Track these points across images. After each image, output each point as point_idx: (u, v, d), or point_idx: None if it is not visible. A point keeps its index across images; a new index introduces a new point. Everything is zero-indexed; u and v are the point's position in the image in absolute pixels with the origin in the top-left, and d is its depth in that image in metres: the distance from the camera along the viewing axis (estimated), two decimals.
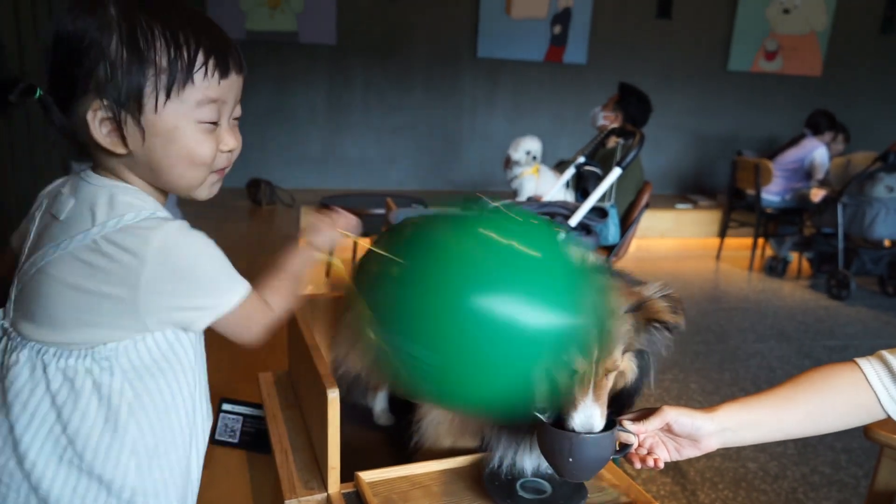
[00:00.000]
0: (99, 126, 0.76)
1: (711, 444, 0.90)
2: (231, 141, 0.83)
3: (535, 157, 3.15)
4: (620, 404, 0.95)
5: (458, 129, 5.94)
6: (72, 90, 0.74)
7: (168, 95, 0.75)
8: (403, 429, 1.19)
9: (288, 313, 0.90)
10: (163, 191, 0.85)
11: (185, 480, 0.88)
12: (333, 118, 5.62)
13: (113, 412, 0.79)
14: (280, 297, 0.89)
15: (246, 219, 4.32)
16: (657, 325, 0.91)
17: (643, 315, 0.89)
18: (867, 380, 0.92)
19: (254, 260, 3.24)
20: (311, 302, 1.42)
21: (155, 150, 0.78)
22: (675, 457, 0.92)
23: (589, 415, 0.86)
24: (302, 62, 5.43)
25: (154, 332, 0.80)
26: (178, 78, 0.75)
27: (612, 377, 0.90)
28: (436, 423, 1.12)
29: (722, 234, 5.41)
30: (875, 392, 0.91)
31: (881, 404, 0.91)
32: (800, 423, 0.92)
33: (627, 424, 0.90)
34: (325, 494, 0.99)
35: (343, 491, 0.99)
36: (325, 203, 4.37)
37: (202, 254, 0.80)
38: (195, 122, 0.78)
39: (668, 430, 0.91)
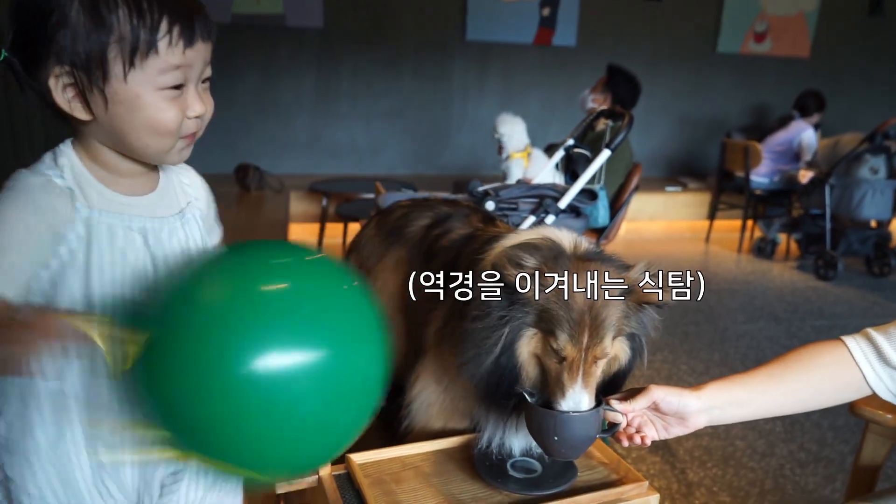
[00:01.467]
0: (62, 92, 0.75)
1: (699, 422, 0.91)
2: (198, 106, 0.80)
3: (502, 139, 3.15)
4: (614, 385, 0.95)
5: (447, 113, 5.91)
6: (34, 54, 0.73)
7: (131, 64, 0.73)
8: (394, 412, 1.19)
9: None
10: (133, 159, 0.83)
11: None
12: (321, 103, 5.57)
13: None
14: None
15: (234, 204, 4.28)
16: (646, 306, 0.90)
17: (633, 299, 0.89)
18: (853, 357, 0.93)
19: None
20: None
21: (118, 118, 0.76)
22: (663, 435, 0.92)
23: (577, 401, 0.86)
24: (289, 46, 5.37)
25: None
26: (141, 46, 0.72)
27: (602, 364, 0.90)
28: (426, 404, 1.12)
29: (711, 216, 5.42)
30: (861, 369, 0.92)
31: (867, 381, 0.92)
32: (787, 401, 0.93)
33: (615, 404, 0.91)
34: (316, 476, 0.99)
35: (334, 473, 0.99)
36: (315, 188, 4.35)
37: (2, 221, 0.74)
38: (158, 88, 0.75)
39: (655, 408, 0.91)
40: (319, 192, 4.25)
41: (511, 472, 0.98)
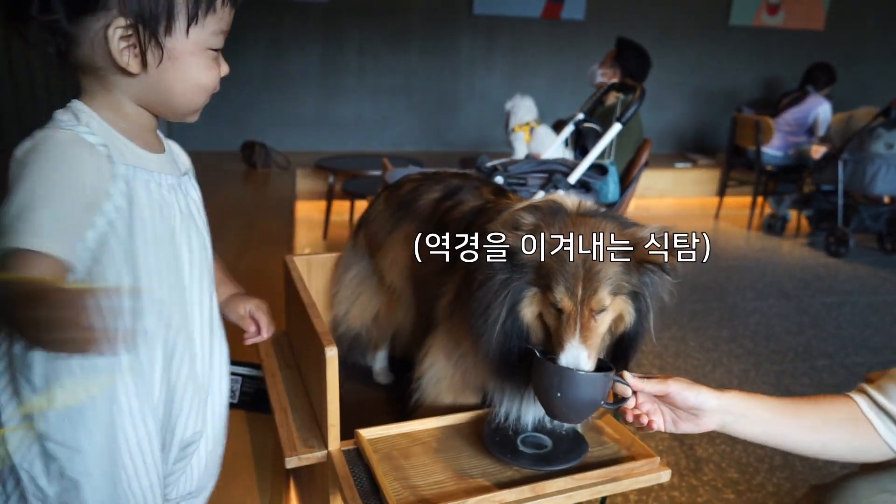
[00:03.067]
0: (117, 42, 0.74)
1: (710, 423, 0.90)
2: (225, 67, 0.84)
3: (510, 113, 3.13)
4: (622, 349, 0.94)
5: (454, 88, 5.85)
6: (92, 3, 0.73)
7: (195, 19, 0.76)
8: (403, 387, 1.19)
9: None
10: (154, 116, 0.83)
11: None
12: (328, 79, 5.53)
13: None
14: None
15: (241, 181, 4.28)
16: (651, 267, 0.89)
17: (635, 258, 0.88)
18: (862, 412, 0.93)
19: (251, 222, 3.23)
20: (307, 261, 1.41)
21: (168, 73, 0.78)
22: (671, 428, 0.92)
23: (575, 355, 0.86)
24: (295, 21, 5.31)
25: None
26: (204, 4, 0.76)
27: (603, 319, 0.89)
28: (436, 379, 1.12)
29: (721, 192, 5.38)
30: (872, 424, 0.92)
31: (880, 434, 0.92)
32: (801, 435, 0.92)
33: (627, 376, 0.89)
34: (326, 452, 1.00)
35: (343, 448, 1.00)
36: (322, 165, 4.34)
37: (42, 176, 0.69)
38: (207, 48, 0.79)
39: (669, 400, 0.90)
40: (326, 168, 4.25)
41: (521, 448, 0.98)
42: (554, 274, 0.87)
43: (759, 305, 3.51)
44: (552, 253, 0.87)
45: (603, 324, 0.89)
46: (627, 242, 0.87)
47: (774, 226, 4.95)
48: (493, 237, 0.89)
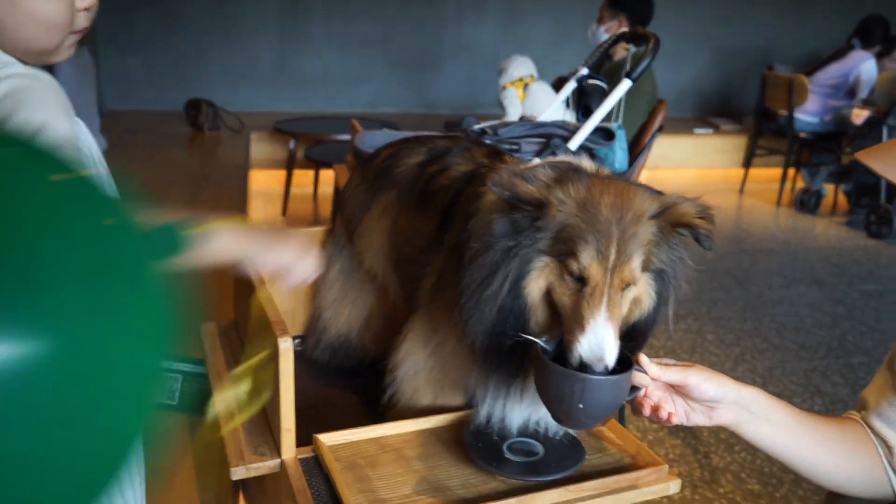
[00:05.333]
0: None
1: (724, 417, 0.92)
2: None
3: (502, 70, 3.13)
4: (632, 340, 0.93)
5: (439, 39, 5.80)
6: None
7: None
8: (376, 384, 1.19)
9: None
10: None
11: None
12: (287, 25, 5.46)
13: None
14: None
15: (185, 147, 4.24)
16: (683, 234, 0.90)
17: (668, 219, 0.88)
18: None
19: (196, 194, 3.20)
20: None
21: (2, 6, 0.78)
22: (681, 420, 0.92)
23: (601, 337, 0.83)
24: None
25: None
26: None
27: (627, 297, 0.88)
28: (412, 372, 1.11)
29: (747, 163, 5.40)
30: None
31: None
32: (817, 452, 0.95)
33: (644, 362, 0.89)
34: (279, 461, 0.99)
35: (300, 456, 0.99)
36: (280, 128, 4.30)
37: None
38: None
39: (685, 392, 0.91)
40: (285, 132, 4.22)
41: (508, 455, 0.98)
42: (581, 233, 0.85)
43: (788, 294, 3.54)
44: (578, 210, 0.86)
45: (626, 302, 0.89)
46: (660, 205, 0.88)
47: (807, 202, 4.98)
48: (496, 187, 0.87)
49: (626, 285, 0.86)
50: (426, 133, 1.54)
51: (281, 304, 1.36)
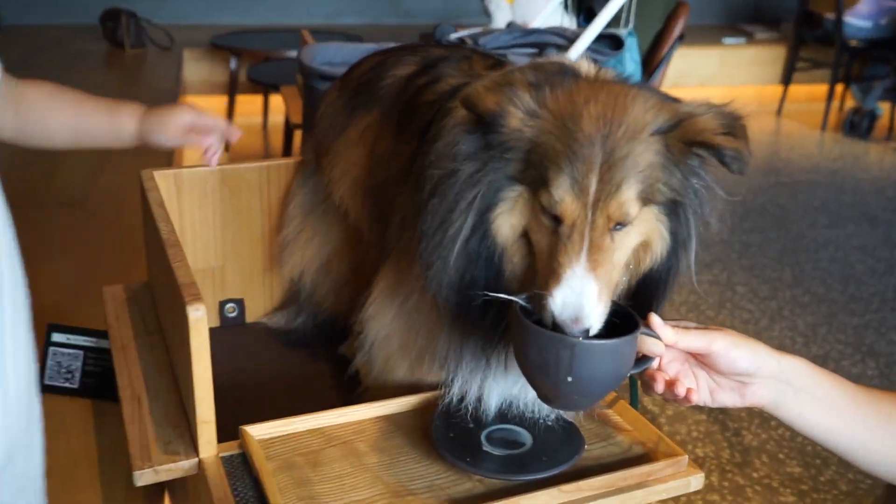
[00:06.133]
0: None
1: (760, 395, 0.88)
2: None
3: None
4: (644, 296, 0.90)
5: None
6: None
7: None
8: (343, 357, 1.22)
9: None
10: None
11: None
12: None
13: None
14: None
15: (102, 66, 4.16)
16: (702, 155, 0.84)
17: (680, 137, 0.83)
18: None
19: None
20: (175, 177, 1.36)
21: None
22: (704, 399, 0.89)
23: (578, 291, 0.79)
24: None
25: None
26: None
27: (623, 241, 0.84)
28: (382, 336, 1.10)
29: (786, 79, 5.39)
30: None
31: None
32: (875, 432, 0.91)
33: (656, 324, 0.85)
34: (196, 460, 0.96)
35: (222, 454, 0.96)
36: (219, 44, 4.21)
37: None
38: None
39: (709, 362, 0.87)
40: (225, 48, 4.18)
41: (486, 447, 0.96)
42: (553, 157, 0.81)
43: (835, 235, 3.53)
44: (554, 127, 0.82)
45: (623, 248, 0.84)
46: (670, 117, 0.83)
47: (859, 125, 4.97)
48: (465, 102, 0.84)
49: (618, 224, 0.82)
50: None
51: (206, 260, 1.39)
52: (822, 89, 5.23)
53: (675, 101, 0.88)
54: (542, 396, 0.86)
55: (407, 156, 1.07)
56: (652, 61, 2.97)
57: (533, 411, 0.99)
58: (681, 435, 2.19)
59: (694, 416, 2.30)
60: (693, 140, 0.82)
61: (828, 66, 5.06)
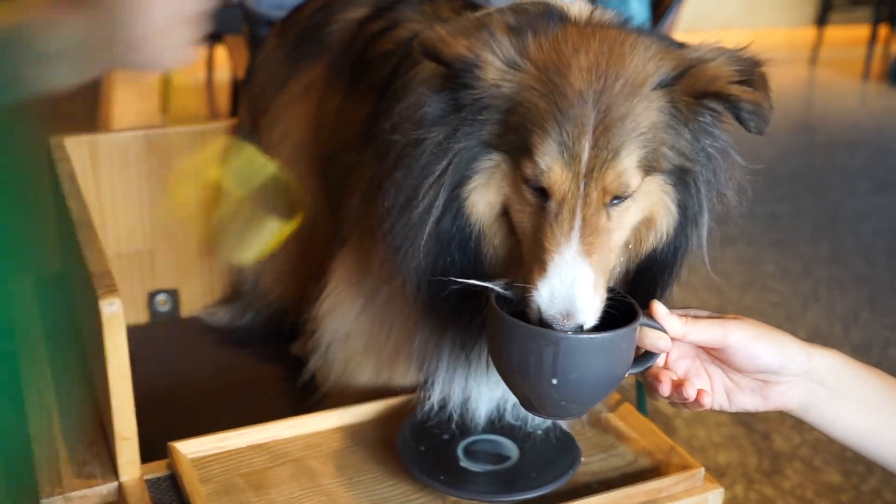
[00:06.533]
0: None
1: (788, 397, 0.88)
2: None
3: None
4: (648, 280, 0.91)
5: None
6: None
7: None
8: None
9: None
10: None
11: None
12: None
13: None
14: None
15: None
16: (714, 110, 0.84)
17: (688, 88, 0.82)
18: None
19: None
20: (90, 144, 1.38)
21: None
22: (720, 402, 0.89)
23: (568, 280, 0.79)
24: None
25: None
26: None
27: (622, 218, 0.84)
28: (342, 333, 1.11)
29: (821, 20, 5.43)
30: None
31: None
32: None
33: (660, 314, 0.84)
34: (115, 484, 0.96)
35: (147, 476, 0.96)
36: None
37: None
38: None
39: (725, 357, 0.87)
40: None
41: (464, 463, 0.97)
42: (537, 118, 0.81)
43: (880, 202, 3.55)
44: (537, 82, 0.81)
45: (621, 227, 0.85)
46: (675, 66, 0.82)
47: None
48: (424, 47, 0.83)
49: (615, 199, 0.81)
50: None
51: (132, 243, 1.42)
52: (862, 32, 5.27)
53: (681, 46, 0.87)
54: (525, 403, 0.86)
55: (361, 118, 1.08)
56: (663, 2, 2.97)
57: (522, 420, 0.99)
58: (699, 440, 2.20)
59: (715, 417, 2.31)
60: (703, 91, 0.82)
61: (869, 4, 5.11)
